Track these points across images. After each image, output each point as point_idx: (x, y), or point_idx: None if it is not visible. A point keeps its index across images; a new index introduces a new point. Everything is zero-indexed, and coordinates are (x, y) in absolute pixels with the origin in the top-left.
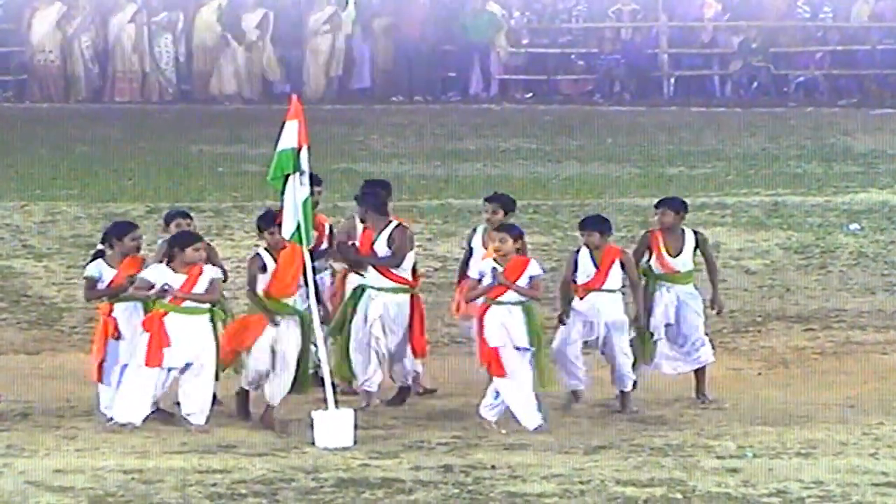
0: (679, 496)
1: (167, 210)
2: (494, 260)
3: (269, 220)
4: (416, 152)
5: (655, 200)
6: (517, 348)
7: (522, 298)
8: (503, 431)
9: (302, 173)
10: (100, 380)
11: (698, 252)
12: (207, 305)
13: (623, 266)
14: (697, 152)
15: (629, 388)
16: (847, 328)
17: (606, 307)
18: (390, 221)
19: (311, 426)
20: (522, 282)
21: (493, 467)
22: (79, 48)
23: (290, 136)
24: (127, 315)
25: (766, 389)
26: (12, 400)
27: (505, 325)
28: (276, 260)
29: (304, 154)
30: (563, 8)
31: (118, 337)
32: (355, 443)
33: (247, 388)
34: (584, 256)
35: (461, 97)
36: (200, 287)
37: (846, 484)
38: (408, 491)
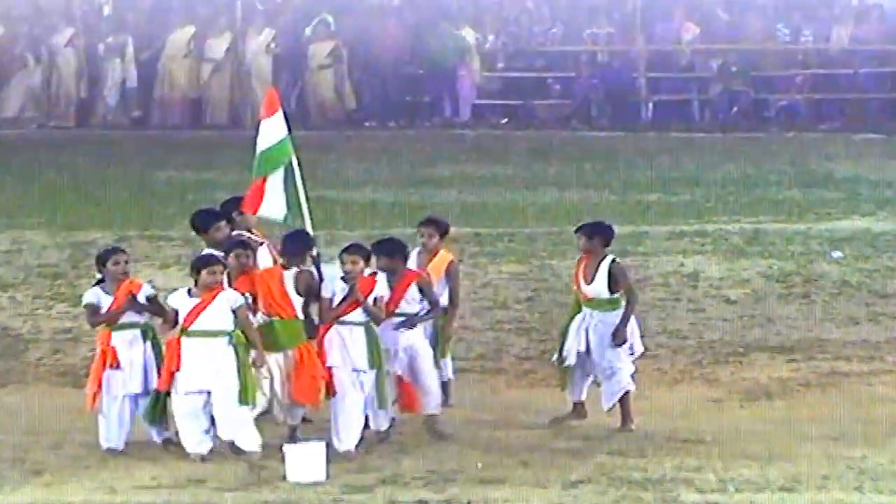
0: None
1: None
2: (343, 280)
3: (211, 217)
4: (390, 179)
5: (634, 228)
6: (354, 370)
7: (364, 319)
8: (479, 465)
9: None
10: (96, 409)
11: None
12: (226, 328)
13: (421, 290)
14: (676, 178)
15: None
16: (831, 359)
17: (402, 333)
18: None
19: (283, 460)
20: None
21: (469, 502)
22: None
23: (278, 126)
24: (126, 344)
25: (748, 422)
26: None
27: (345, 345)
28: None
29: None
30: (538, 31)
31: (117, 366)
32: (328, 477)
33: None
34: (381, 280)
35: (435, 122)
36: (215, 312)
37: None
38: None
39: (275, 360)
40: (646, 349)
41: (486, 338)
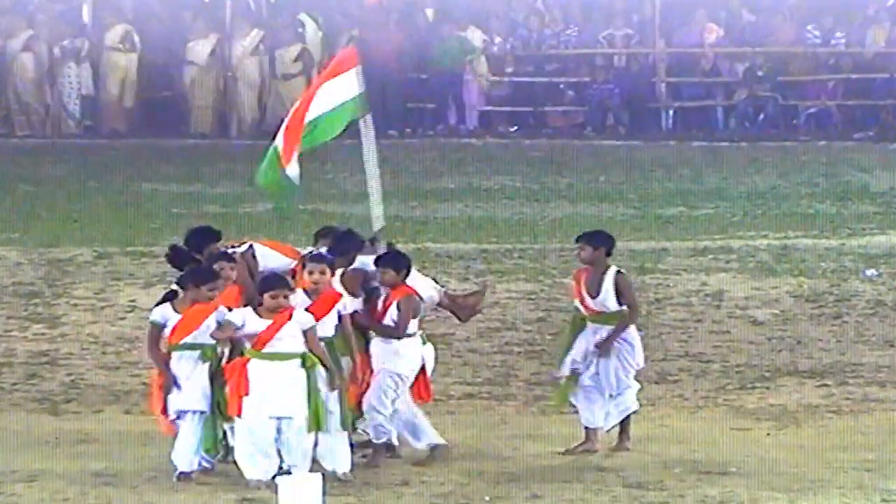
0: None
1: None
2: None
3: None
4: (390, 191)
5: (653, 244)
6: None
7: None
8: (487, 498)
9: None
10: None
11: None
12: (297, 351)
13: (398, 307)
14: (699, 191)
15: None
16: (864, 384)
17: (382, 356)
18: None
19: (276, 492)
20: (331, 318)
21: None
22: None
23: (352, 83)
24: (185, 364)
25: (776, 451)
26: None
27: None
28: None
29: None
30: (551, 33)
31: (176, 387)
32: None
33: None
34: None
35: (439, 131)
36: (287, 334)
37: None
38: None
39: None
40: (667, 374)
41: (493, 361)
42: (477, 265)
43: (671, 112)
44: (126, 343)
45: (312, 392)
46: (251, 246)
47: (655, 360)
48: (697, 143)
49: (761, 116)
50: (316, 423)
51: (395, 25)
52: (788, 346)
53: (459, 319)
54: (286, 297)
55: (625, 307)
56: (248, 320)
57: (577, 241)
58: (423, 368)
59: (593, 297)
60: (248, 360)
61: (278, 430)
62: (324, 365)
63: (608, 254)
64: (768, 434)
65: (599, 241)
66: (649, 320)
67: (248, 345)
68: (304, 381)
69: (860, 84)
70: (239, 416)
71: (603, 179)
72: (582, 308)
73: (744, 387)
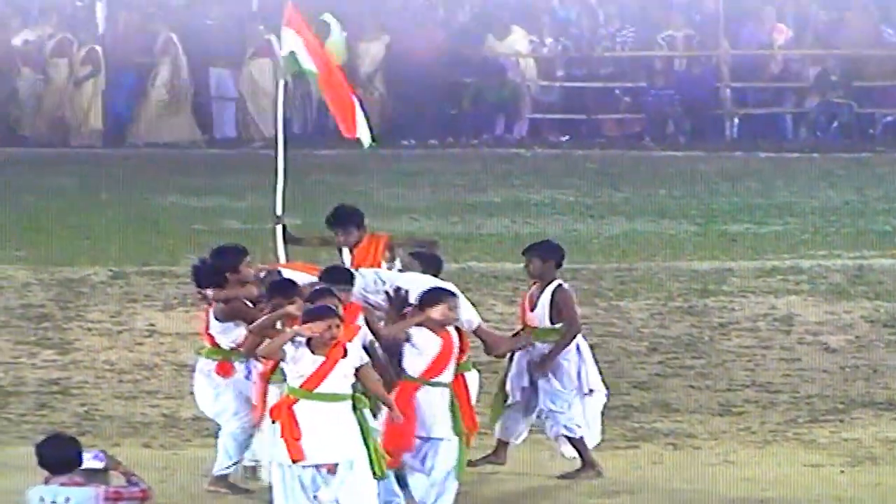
0: None
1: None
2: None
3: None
4: (430, 206)
5: (717, 264)
6: None
7: None
8: None
9: None
10: None
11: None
12: (347, 391)
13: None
14: (766, 206)
15: None
16: None
17: None
18: None
19: None
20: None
21: None
22: None
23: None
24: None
25: (851, 490)
26: None
27: None
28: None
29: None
30: (605, 34)
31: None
32: None
33: None
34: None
35: (484, 140)
36: (340, 372)
37: None
38: None
39: None
40: (732, 405)
41: None
42: (525, 287)
43: (736, 120)
44: (144, 370)
45: (368, 435)
46: (278, 272)
47: (719, 390)
48: (764, 154)
49: (834, 125)
50: (380, 468)
51: (435, 27)
52: (864, 374)
53: (487, 352)
54: (337, 327)
55: (559, 325)
56: (302, 356)
57: (524, 253)
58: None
59: (531, 310)
60: (294, 400)
61: (323, 478)
62: (384, 402)
63: (558, 265)
64: (842, 471)
65: (548, 254)
66: (712, 346)
67: (294, 381)
68: (356, 423)
69: None
70: (300, 461)
71: (662, 193)
72: (522, 321)
73: (815, 419)
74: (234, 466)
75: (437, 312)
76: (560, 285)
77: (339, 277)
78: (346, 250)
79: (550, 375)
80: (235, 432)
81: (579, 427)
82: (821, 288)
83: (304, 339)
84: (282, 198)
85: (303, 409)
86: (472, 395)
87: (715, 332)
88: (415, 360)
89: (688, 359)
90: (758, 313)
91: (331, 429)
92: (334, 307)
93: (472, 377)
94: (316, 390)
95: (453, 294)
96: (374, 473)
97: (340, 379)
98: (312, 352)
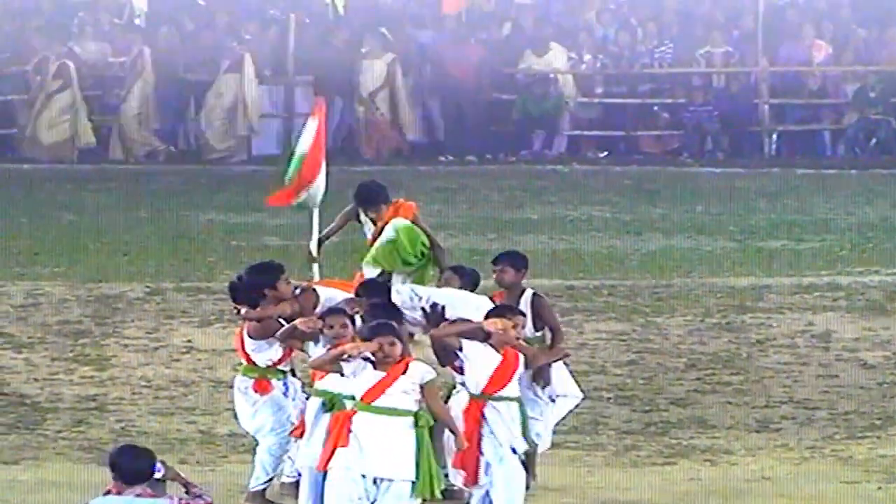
0: None
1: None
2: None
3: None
4: (467, 222)
5: (755, 280)
6: None
7: None
8: None
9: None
10: None
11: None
12: (410, 408)
13: None
14: (804, 223)
15: None
16: None
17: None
18: None
19: None
20: None
21: None
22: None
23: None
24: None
25: None
26: None
27: None
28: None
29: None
30: (644, 51)
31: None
32: None
33: None
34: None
35: (522, 156)
36: (401, 388)
37: None
38: None
39: None
40: (769, 421)
41: (581, 407)
42: (562, 303)
43: (775, 136)
44: (181, 387)
45: (425, 454)
46: (314, 290)
47: (757, 407)
48: (803, 171)
49: (873, 141)
50: (430, 489)
51: (476, 40)
52: None
53: (526, 366)
54: (391, 345)
55: (541, 333)
56: (363, 371)
57: (496, 262)
58: None
59: None
60: (353, 412)
61: (368, 493)
62: (448, 427)
63: (524, 277)
64: (879, 488)
65: (522, 263)
66: (750, 363)
67: (356, 394)
68: (413, 440)
69: None
70: (325, 469)
71: (700, 210)
72: None
73: (853, 436)
74: (271, 482)
75: (494, 326)
76: (535, 293)
77: (376, 293)
78: (369, 223)
79: (532, 383)
80: (272, 447)
81: (539, 437)
82: (858, 304)
83: (357, 356)
84: (317, 240)
85: (360, 420)
86: None
87: (752, 349)
88: (475, 375)
89: (725, 375)
90: (795, 330)
91: (383, 442)
92: (394, 325)
93: None
94: (374, 403)
95: (521, 313)
96: (420, 492)
97: (400, 395)
98: (374, 367)
